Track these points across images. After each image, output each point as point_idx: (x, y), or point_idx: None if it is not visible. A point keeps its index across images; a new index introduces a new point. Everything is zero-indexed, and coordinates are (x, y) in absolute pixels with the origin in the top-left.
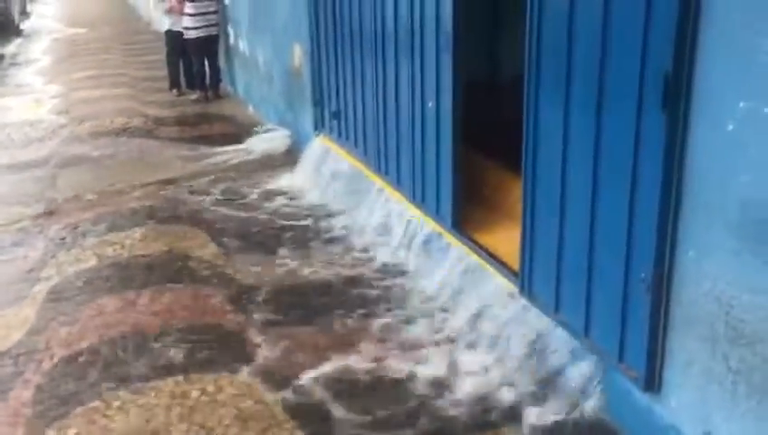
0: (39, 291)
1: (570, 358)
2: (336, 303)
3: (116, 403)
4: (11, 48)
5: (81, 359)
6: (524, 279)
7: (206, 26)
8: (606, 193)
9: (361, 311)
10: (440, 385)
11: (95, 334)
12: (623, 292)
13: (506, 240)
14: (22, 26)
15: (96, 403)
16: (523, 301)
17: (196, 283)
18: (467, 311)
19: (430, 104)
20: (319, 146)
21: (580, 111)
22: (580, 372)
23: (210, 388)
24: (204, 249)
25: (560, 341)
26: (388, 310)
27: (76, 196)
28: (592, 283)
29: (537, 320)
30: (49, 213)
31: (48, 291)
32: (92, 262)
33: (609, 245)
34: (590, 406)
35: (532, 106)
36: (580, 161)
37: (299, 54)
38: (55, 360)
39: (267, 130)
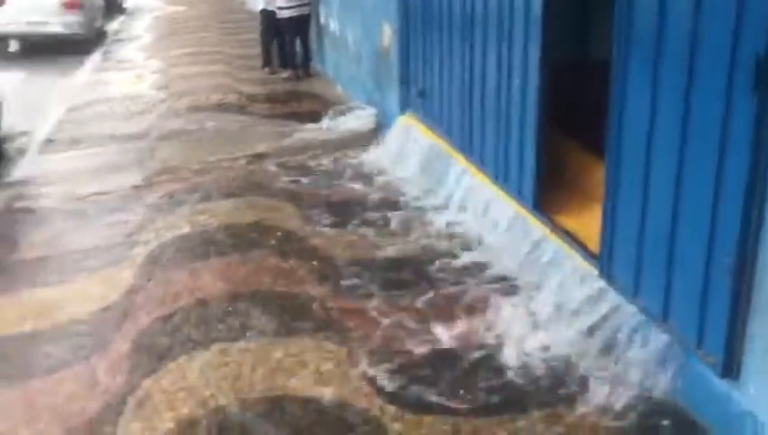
0: (137, 254)
1: (644, 341)
2: (416, 277)
3: (205, 360)
4: (114, 25)
5: (174, 318)
6: (604, 261)
7: (299, 6)
8: (691, 176)
9: (442, 286)
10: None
11: (188, 296)
12: (704, 276)
13: (587, 222)
14: (124, 4)
15: (187, 359)
16: (602, 283)
17: (283, 252)
18: (546, 290)
19: (517, 81)
20: (404, 124)
21: (668, 92)
22: (655, 355)
23: (293, 350)
24: (290, 221)
25: (635, 323)
26: (468, 286)
27: (173, 167)
28: (673, 267)
29: (614, 302)
30: (147, 182)
31: (146, 254)
32: (187, 229)
33: (693, 228)
34: (662, 389)
35: (619, 87)
36: (666, 144)
37: (388, 34)
38: (151, 317)
39: (355, 109)
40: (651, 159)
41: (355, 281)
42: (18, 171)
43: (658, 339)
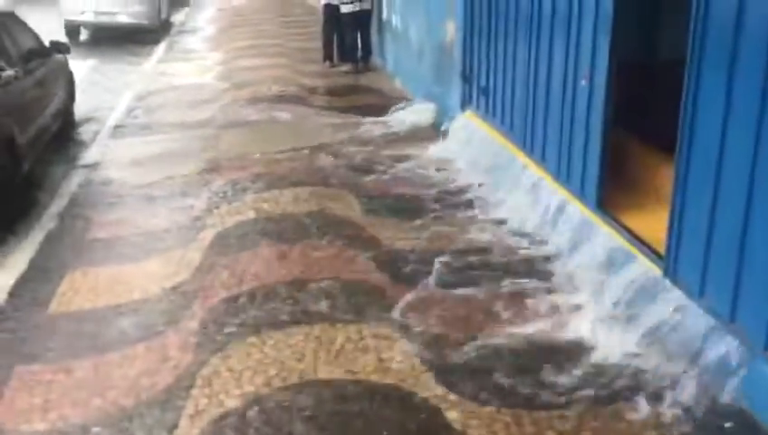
0: (204, 237)
1: (710, 343)
2: (478, 273)
3: (270, 341)
4: (180, 16)
5: (240, 299)
6: (670, 262)
7: (361, 1)
8: (766, 177)
9: (504, 283)
10: (576, 352)
11: (253, 279)
12: None
13: (650, 222)
14: None
15: (253, 339)
16: (667, 283)
17: (344, 241)
18: (609, 290)
19: (583, 82)
20: (465, 120)
21: (745, 92)
22: (721, 357)
23: (354, 336)
24: (351, 211)
25: (701, 324)
26: (531, 283)
27: (237, 155)
28: (743, 268)
29: (679, 302)
30: (212, 169)
31: (212, 237)
32: (251, 215)
33: (765, 227)
34: (729, 394)
35: (692, 86)
36: (741, 144)
37: (451, 31)
38: (218, 298)
39: (414, 103)
40: (724, 159)
41: (412, 269)
42: (90, 155)
43: (724, 341)
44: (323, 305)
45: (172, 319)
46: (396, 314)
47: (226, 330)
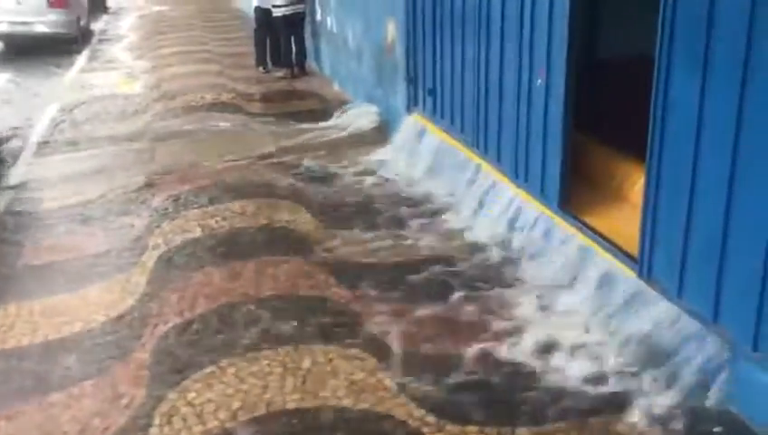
0: (148, 259)
1: (692, 344)
2: (442, 284)
3: (230, 370)
4: (99, 25)
5: (193, 325)
6: (644, 262)
7: (294, 3)
8: (747, 173)
9: (464, 291)
10: (552, 362)
11: (205, 302)
12: (762, 276)
13: (616, 221)
14: (108, 3)
15: (212, 369)
16: (642, 284)
17: (298, 256)
18: (578, 293)
19: (539, 81)
20: (412, 123)
21: (721, 87)
22: (704, 359)
23: (321, 359)
24: (303, 223)
25: (681, 325)
26: (492, 290)
27: (175, 168)
28: (725, 266)
29: (655, 303)
30: (150, 184)
31: (156, 259)
32: (197, 232)
33: (748, 226)
34: (715, 396)
35: (662, 82)
36: (718, 139)
37: (392, 30)
38: (169, 325)
39: (356, 107)
40: (700, 156)
41: (372, 283)
42: (15, 174)
43: (712, 342)
44: (285, 326)
45: (120, 351)
46: (363, 331)
47: (181, 360)
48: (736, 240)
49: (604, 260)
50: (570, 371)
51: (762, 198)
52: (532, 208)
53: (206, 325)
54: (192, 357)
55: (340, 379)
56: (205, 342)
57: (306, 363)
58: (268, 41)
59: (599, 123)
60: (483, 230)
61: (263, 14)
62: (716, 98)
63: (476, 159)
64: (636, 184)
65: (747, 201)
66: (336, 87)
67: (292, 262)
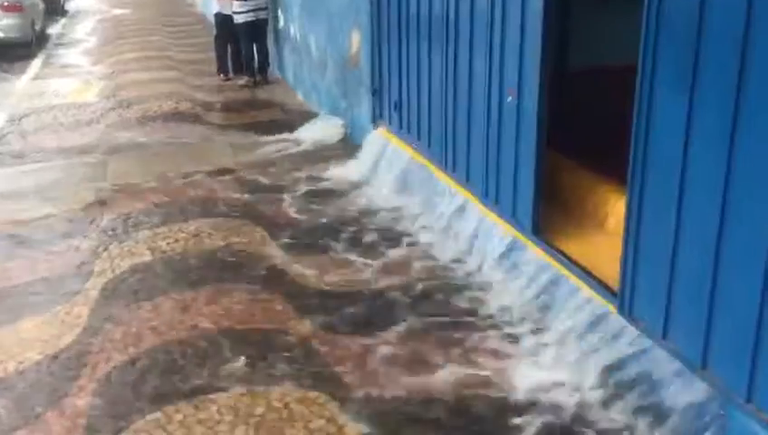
0: (92, 287)
1: (678, 390)
2: (400, 311)
3: (177, 417)
4: (57, 28)
5: (138, 364)
6: (624, 297)
7: (256, 10)
8: (741, 203)
9: (430, 320)
10: (521, 405)
11: (152, 337)
12: (757, 319)
13: (593, 250)
14: (66, 6)
15: (157, 415)
16: (622, 320)
17: (256, 283)
18: (553, 328)
19: (509, 99)
20: (377, 138)
21: (711, 107)
22: (691, 408)
23: (276, 403)
24: (262, 246)
25: (665, 369)
26: (462, 321)
27: (127, 184)
28: (715, 307)
29: (638, 343)
30: (100, 202)
31: (101, 287)
32: (146, 257)
33: (741, 263)
34: None
35: (645, 101)
36: (708, 165)
37: (357, 41)
38: (111, 364)
39: (320, 119)
40: (687, 182)
41: (333, 314)
42: None
43: (700, 389)
44: (237, 365)
45: (55, 396)
46: (323, 371)
47: (123, 405)
48: (729, 278)
49: (581, 292)
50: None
51: (758, 231)
52: (503, 233)
53: (153, 364)
54: (135, 402)
55: (298, 427)
56: (150, 383)
57: (260, 409)
58: (229, 48)
59: (567, 139)
60: (450, 253)
61: (224, 20)
62: (706, 118)
63: (445, 178)
64: (613, 209)
65: (741, 235)
66: (300, 97)
67: (249, 290)
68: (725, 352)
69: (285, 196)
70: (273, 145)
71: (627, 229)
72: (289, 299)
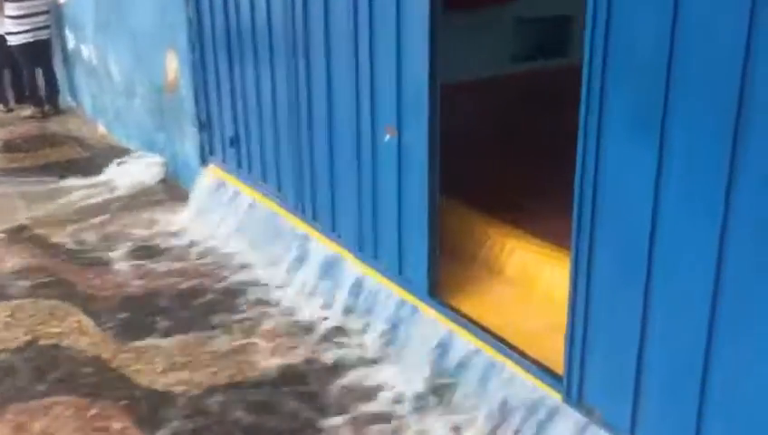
0: None
1: None
2: (276, 410)
3: None
4: None
5: None
6: (572, 383)
7: (34, 30)
8: (736, 269)
9: (315, 420)
10: None
11: None
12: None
13: (504, 310)
14: None
15: None
16: (570, 411)
17: (80, 391)
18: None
19: (387, 136)
20: (210, 178)
21: (684, 147)
22: None
23: None
24: (82, 335)
25: None
26: (347, 412)
27: None
28: (707, 398)
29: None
30: None
31: None
32: None
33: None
34: None
35: (591, 140)
36: (682, 217)
37: (173, 64)
38: None
39: (132, 156)
40: (657, 242)
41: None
42: None
43: None
44: None
45: None
46: None
47: None
48: (723, 357)
49: (504, 367)
50: None
51: (756, 295)
52: (388, 294)
53: None
54: None
55: None
56: None
57: None
58: (6, 74)
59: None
60: (324, 321)
61: None
62: (678, 157)
63: (303, 227)
64: (510, 253)
65: (734, 304)
66: (102, 129)
67: (72, 402)
68: None
69: (104, 260)
70: (77, 192)
71: (572, 298)
72: (127, 410)
